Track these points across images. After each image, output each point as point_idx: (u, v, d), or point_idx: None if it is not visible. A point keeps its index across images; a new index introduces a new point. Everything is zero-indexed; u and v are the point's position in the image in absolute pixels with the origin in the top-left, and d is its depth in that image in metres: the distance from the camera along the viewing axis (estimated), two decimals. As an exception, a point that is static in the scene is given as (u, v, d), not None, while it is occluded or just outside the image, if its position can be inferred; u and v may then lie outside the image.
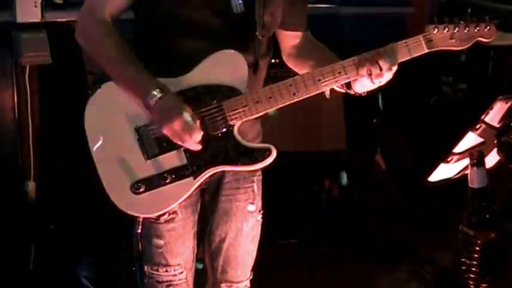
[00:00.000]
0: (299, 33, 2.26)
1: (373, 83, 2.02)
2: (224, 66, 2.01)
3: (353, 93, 2.11)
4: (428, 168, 2.67)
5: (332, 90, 2.10)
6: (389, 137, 4.61)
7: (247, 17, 2.05)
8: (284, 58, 2.31)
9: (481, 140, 2.35)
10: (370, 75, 2.00)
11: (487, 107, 2.38)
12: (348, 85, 2.09)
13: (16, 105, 3.77)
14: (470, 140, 2.35)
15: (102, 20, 2.01)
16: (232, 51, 2.01)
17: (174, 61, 2.03)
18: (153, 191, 2.02)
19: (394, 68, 2.01)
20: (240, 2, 2.04)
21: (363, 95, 2.12)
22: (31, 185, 3.81)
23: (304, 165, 4.11)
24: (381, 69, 1.98)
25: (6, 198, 3.70)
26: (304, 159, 4.06)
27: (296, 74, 2.16)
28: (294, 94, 2.03)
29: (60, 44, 3.69)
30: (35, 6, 3.62)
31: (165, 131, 1.96)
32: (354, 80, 2.05)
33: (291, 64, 2.29)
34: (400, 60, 2.02)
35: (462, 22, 2.02)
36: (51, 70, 3.70)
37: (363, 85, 2.06)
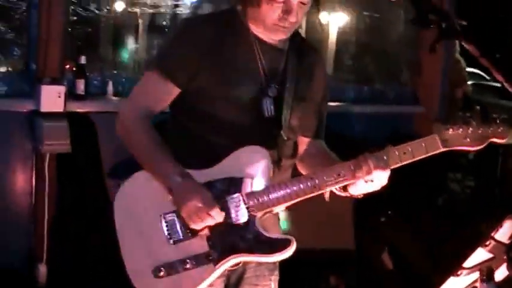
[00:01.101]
0: (308, 140, 2.33)
1: (367, 184, 2.08)
2: (249, 161, 2.10)
3: (349, 195, 2.16)
4: (437, 271, 2.67)
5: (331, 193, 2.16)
6: (397, 235, 4.61)
7: (275, 118, 2.16)
8: (296, 161, 2.36)
9: (490, 255, 2.37)
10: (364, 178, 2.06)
11: (494, 220, 2.40)
12: (345, 187, 2.14)
13: (34, 190, 3.82)
14: (480, 255, 2.37)
15: (142, 116, 2.16)
16: (258, 147, 2.11)
17: (203, 155, 2.14)
18: (173, 276, 2.07)
19: (384, 172, 2.06)
20: (272, 107, 2.15)
21: (359, 197, 2.17)
22: (42, 269, 3.82)
23: (311, 262, 4.11)
24: (371, 172, 2.04)
25: (17, 281, 3.71)
26: (311, 256, 4.06)
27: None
28: (314, 187, 2.09)
29: (80, 133, 3.78)
30: (59, 97, 3.70)
31: (184, 212, 2.03)
32: (351, 183, 2.11)
33: (300, 168, 2.35)
34: (416, 158, 2.08)
35: (474, 122, 2.06)
36: (70, 158, 3.78)
37: (358, 188, 2.12)
